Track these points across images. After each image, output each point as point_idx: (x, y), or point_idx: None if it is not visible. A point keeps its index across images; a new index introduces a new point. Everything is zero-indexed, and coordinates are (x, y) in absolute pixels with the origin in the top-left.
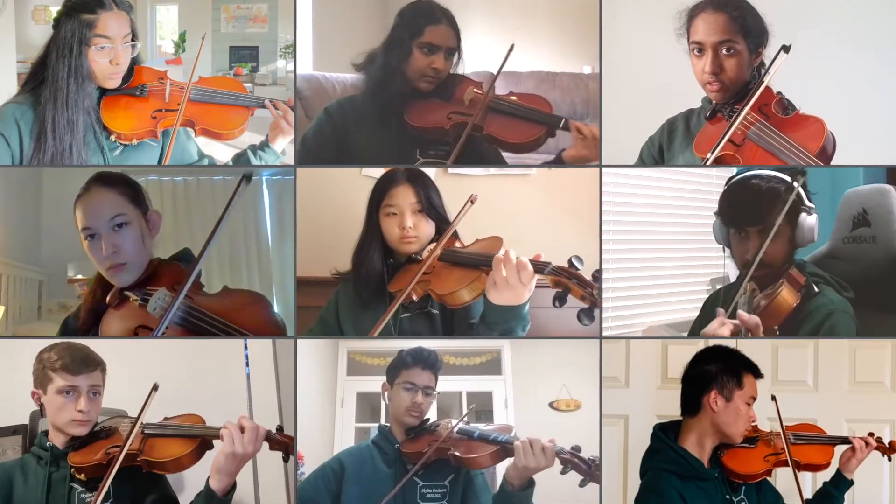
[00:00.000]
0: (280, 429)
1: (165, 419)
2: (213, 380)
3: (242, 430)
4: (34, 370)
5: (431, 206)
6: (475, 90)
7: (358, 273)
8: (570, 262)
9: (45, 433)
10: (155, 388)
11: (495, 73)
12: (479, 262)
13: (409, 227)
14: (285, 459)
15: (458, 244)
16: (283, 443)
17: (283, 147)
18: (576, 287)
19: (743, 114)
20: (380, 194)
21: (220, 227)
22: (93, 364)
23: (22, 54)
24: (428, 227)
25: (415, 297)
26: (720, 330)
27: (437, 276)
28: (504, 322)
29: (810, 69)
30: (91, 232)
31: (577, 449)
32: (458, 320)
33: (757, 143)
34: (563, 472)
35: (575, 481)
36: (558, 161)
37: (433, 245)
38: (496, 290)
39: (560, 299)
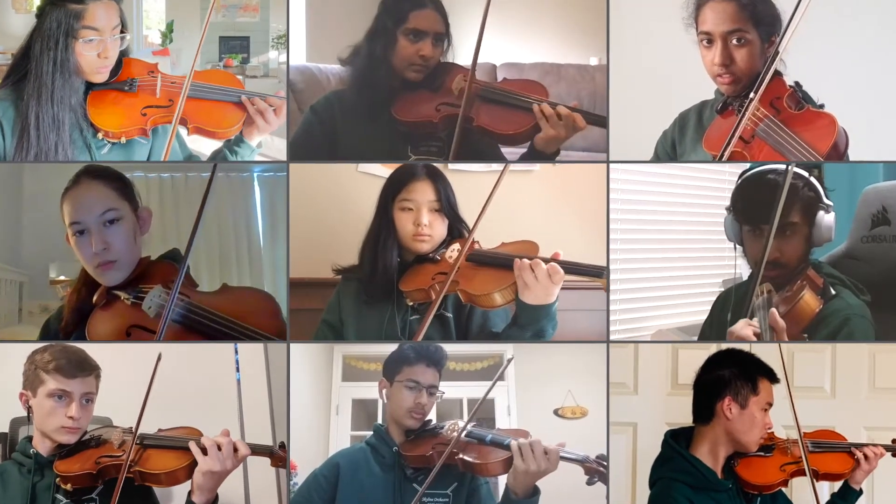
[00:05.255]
0: (282, 445)
1: (160, 431)
2: (203, 386)
3: (220, 446)
4: (24, 370)
5: (449, 205)
6: (465, 79)
7: (372, 268)
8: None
9: (29, 439)
10: (159, 357)
11: (474, 48)
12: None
13: (424, 224)
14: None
15: (476, 246)
16: (286, 459)
17: (259, 141)
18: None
19: (750, 108)
20: (396, 187)
21: (201, 218)
22: (88, 369)
23: (1, 45)
24: (442, 227)
25: (433, 297)
26: (743, 330)
27: (464, 275)
28: (536, 322)
29: (830, 61)
30: (80, 227)
31: (602, 458)
32: (474, 327)
33: (765, 141)
34: (589, 483)
35: (588, 489)
36: (531, 150)
37: (456, 245)
38: (528, 290)
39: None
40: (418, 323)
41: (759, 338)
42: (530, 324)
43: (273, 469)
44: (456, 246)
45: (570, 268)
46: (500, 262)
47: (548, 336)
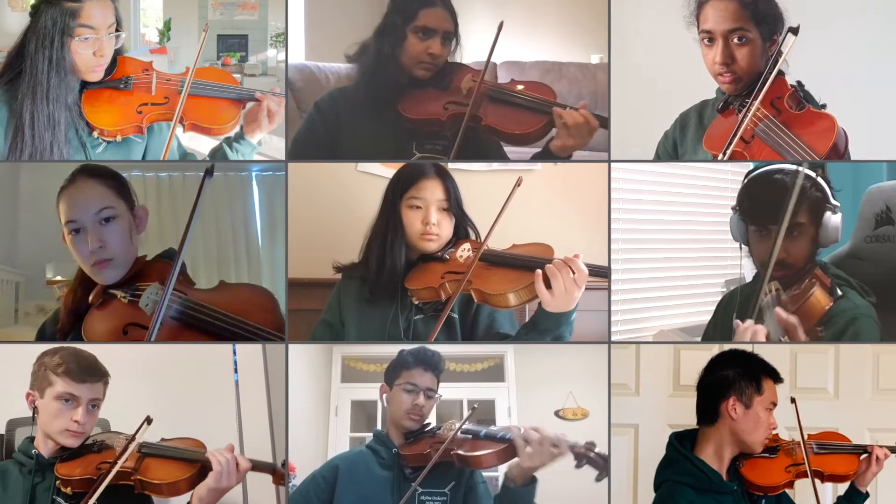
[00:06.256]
0: (285, 463)
1: (163, 440)
2: (201, 387)
3: (226, 462)
4: (33, 370)
5: (458, 205)
6: (474, 78)
7: (380, 266)
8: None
9: (31, 439)
10: (148, 421)
11: (487, 54)
12: (531, 265)
13: (433, 223)
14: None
15: (485, 247)
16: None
17: (260, 139)
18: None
19: (752, 109)
20: (405, 184)
21: (191, 226)
22: (98, 375)
23: None
24: (450, 227)
25: (443, 296)
26: (757, 333)
27: (478, 275)
28: (557, 328)
29: (832, 60)
30: (76, 226)
31: (591, 444)
32: (481, 328)
33: (764, 141)
34: (577, 467)
35: (587, 479)
36: (546, 152)
37: (467, 244)
38: (554, 300)
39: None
40: (423, 323)
41: (769, 338)
42: (551, 329)
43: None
44: (466, 245)
45: (592, 270)
46: (515, 263)
47: (564, 340)
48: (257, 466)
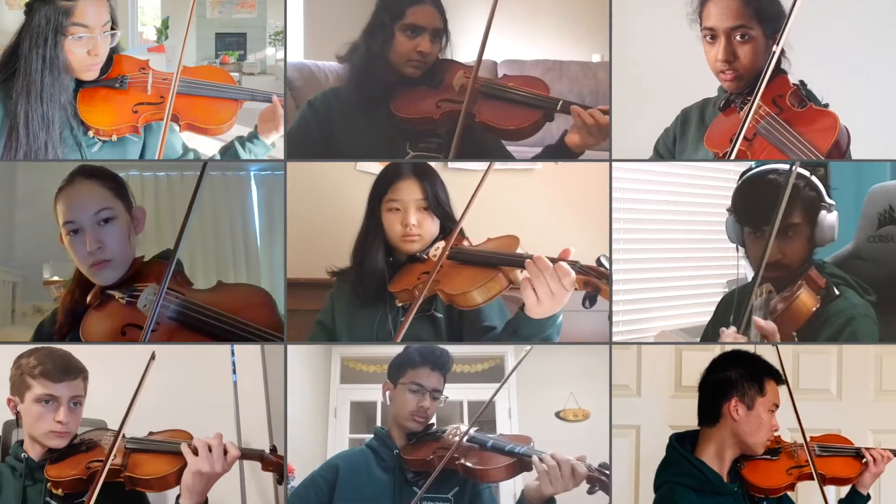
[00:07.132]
0: (274, 449)
1: (151, 434)
2: (200, 388)
3: (210, 448)
4: (11, 375)
5: (438, 203)
6: (466, 75)
7: (360, 271)
8: (598, 261)
9: (20, 443)
10: (153, 356)
11: (478, 50)
12: (495, 262)
13: (412, 224)
14: (279, 482)
15: (465, 243)
16: (277, 464)
17: (274, 140)
18: (606, 287)
19: (753, 106)
20: (383, 187)
21: (190, 216)
22: (75, 371)
23: None
24: (432, 226)
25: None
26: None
27: (446, 275)
28: (541, 332)
29: (836, 59)
30: (74, 226)
31: (604, 466)
32: (467, 325)
33: (766, 138)
34: (590, 492)
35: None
36: (561, 145)
37: (441, 244)
38: (540, 306)
39: (590, 299)
40: (410, 325)
41: (748, 337)
42: (534, 335)
43: (269, 473)
44: (440, 244)
45: (587, 271)
46: (481, 261)
47: (553, 340)
48: (246, 454)
